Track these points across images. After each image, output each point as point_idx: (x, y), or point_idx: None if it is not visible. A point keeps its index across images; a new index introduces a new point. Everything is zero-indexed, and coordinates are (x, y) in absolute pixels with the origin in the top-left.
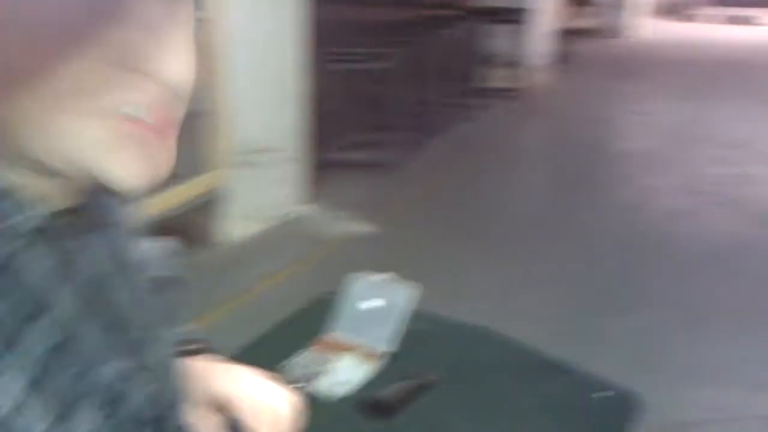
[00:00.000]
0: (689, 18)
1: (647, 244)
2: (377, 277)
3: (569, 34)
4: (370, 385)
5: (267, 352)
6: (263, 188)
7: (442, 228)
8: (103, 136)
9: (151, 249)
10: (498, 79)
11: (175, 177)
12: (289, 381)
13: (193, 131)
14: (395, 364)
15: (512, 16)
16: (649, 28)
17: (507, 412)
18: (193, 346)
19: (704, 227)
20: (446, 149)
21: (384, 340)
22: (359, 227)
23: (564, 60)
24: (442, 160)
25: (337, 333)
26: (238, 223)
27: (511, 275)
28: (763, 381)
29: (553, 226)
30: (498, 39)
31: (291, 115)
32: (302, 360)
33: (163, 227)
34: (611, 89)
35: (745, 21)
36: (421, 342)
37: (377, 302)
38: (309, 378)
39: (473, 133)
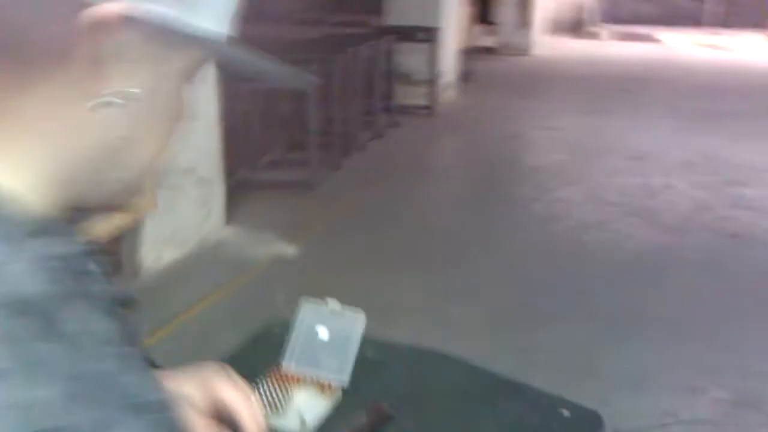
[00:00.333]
0: (587, 35)
1: (567, 254)
2: (327, 305)
3: (475, 52)
4: (329, 421)
5: None
6: (179, 211)
7: (364, 246)
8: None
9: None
10: (410, 96)
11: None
12: None
13: None
14: (351, 396)
15: (422, 35)
16: (550, 46)
17: None
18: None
19: (618, 237)
20: (363, 167)
21: (338, 370)
22: (280, 249)
23: (472, 77)
24: (360, 178)
25: (290, 363)
26: (155, 250)
27: (437, 290)
28: (689, 386)
29: (474, 241)
30: (409, 57)
31: (202, 136)
32: (260, 392)
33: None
34: (518, 105)
35: (642, 38)
36: (375, 370)
37: (328, 331)
38: (268, 412)
39: (388, 149)
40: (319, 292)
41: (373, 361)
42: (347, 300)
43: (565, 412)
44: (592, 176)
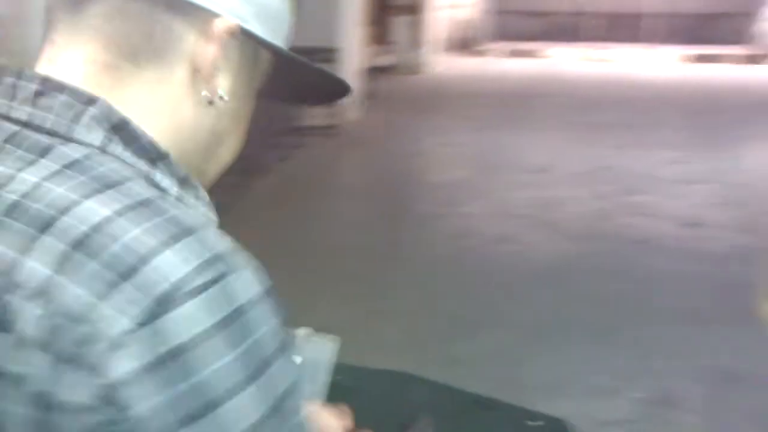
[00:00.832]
0: (478, 53)
1: (477, 268)
2: (297, 332)
3: (373, 71)
4: None
5: None
6: None
7: (277, 269)
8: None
9: None
10: (315, 116)
11: None
12: None
13: None
14: None
15: (322, 55)
16: (444, 64)
17: None
18: None
19: (526, 248)
20: (271, 189)
21: (310, 396)
22: None
23: (372, 97)
24: (267, 200)
25: None
26: None
27: (356, 310)
28: (606, 388)
29: (385, 259)
30: None
31: None
32: None
33: None
34: (419, 123)
35: (529, 54)
36: (348, 395)
37: (300, 358)
38: None
39: (295, 171)
40: None
41: (346, 386)
42: None
43: (535, 423)
44: (495, 191)
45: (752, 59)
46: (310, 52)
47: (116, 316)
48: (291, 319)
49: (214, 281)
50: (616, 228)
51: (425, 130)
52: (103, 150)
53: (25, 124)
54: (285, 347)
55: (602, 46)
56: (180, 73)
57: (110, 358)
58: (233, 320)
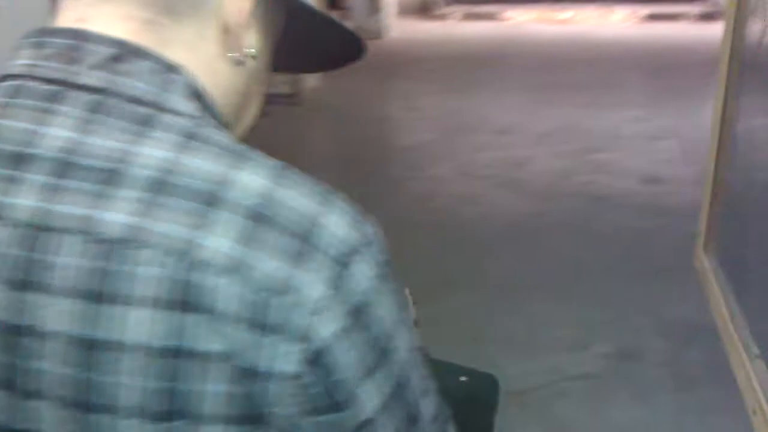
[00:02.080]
0: (437, 17)
1: (445, 229)
2: None
3: None
4: None
5: None
6: None
7: None
8: None
9: None
10: (274, 84)
11: None
12: None
13: None
14: None
15: None
16: (403, 29)
17: None
18: None
19: (491, 208)
20: None
21: None
22: None
23: None
24: None
25: None
26: None
27: None
28: (574, 343)
29: None
30: None
31: None
32: None
33: None
34: (381, 88)
35: (488, 16)
36: None
37: None
38: None
39: (256, 141)
40: None
41: None
42: None
43: (462, 378)
44: (460, 153)
45: (706, 17)
46: None
47: (309, 286)
48: None
49: (368, 240)
50: (578, 186)
51: (388, 95)
52: (201, 119)
53: (103, 91)
54: None
55: (560, 7)
56: (213, 30)
57: (312, 325)
58: (387, 271)
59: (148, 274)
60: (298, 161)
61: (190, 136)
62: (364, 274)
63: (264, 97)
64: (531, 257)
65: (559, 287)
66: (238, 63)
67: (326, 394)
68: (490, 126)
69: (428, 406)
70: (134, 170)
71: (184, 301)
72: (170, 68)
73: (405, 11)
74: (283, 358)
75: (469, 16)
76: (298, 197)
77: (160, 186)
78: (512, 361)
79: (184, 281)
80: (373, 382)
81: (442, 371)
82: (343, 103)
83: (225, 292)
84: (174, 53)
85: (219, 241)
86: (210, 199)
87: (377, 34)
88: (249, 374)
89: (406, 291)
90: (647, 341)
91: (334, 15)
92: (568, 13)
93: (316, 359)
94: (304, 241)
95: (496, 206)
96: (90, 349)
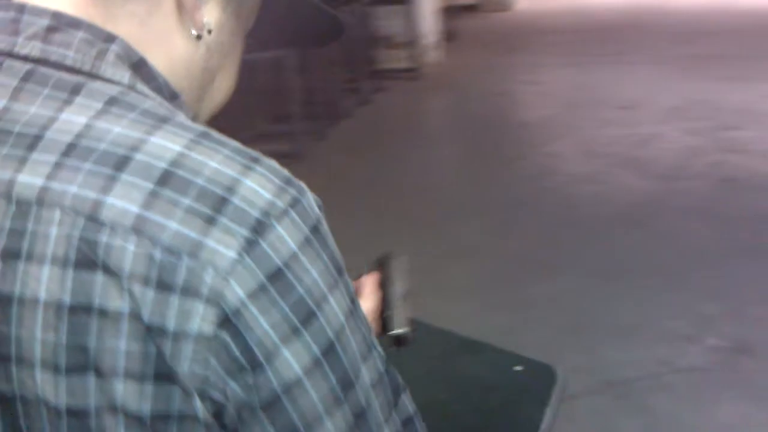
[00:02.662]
0: None
1: (558, 209)
2: None
3: (457, 10)
4: None
5: None
6: None
7: (355, 213)
8: None
9: None
10: (393, 60)
11: None
12: None
13: None
14: None
15: None
16: (533, 0)
17: (426, 395)
18: None
19: (609, 188)
20: (350, 134)
21: None
22: None
23: (453, 37)
24: (347, 145)
25: None
26: None
27: (431, 252)
28: (681, 334)
29: (465, 200)
30: (387, 20)
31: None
32: None
33: None
34: (503, 62)
35: None
36: None
37: None
38: None
39: (375, 115)
40: None
41: None
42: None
43: (519, 368)
44: (580, 129)
45: None
46: None
47: (223, 247)
48: (360, 262)
49: (292, 203)
50: (705, 166)
51: (510, 68)
52: (132, 88)
53: (38, 61)
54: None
55: None
56: (167, 4)
57: (227, 286)
58: (315, 233)
59: (58, 233)
60: (410, 137)
61: (113, 103)
62: (285, 238)
63: (236, 75)
64: (647, 242)
65: (675, 274)
66: (196, 37)
67: (242, 356)
68: (616, 100)
69: (370, 370)
70: (54, 135)
71: (93, 261)
72: (106, 38)
73: None
74: (195, 319)
75: None
76: (215, 165)
77: (74, 150)
78: (613, 350)
79: (92, 242)
80: (296, 345)
81: (497, 359)
82: (463, 78)
83: (132, 253)
84: (121, 27)
85: (123, 204)
86: (120, 163)
87: (505, 6)
88: (159, 333)
89: (403, 260)
90: (765, 336)
91: None
92: None
93: (229, 320)
94: (217, 204)
95: (615, 186)
96: (7, 305)
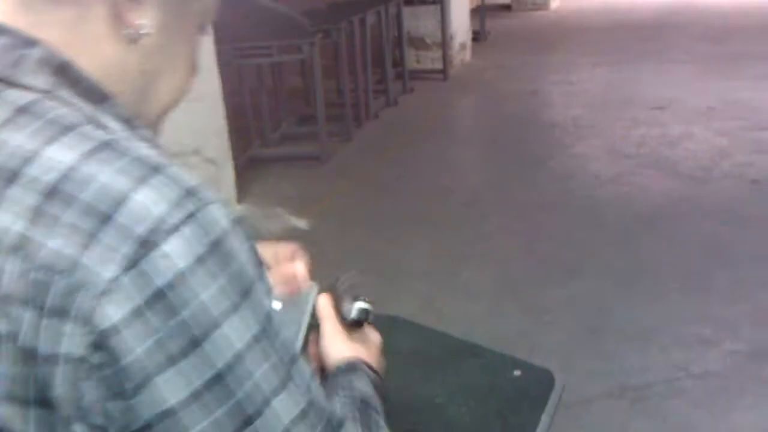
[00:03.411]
0: None
1: (582, 211)
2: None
3: (490, 10)
4: None
5: None
6: None
7: (377, 215)
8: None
9: None
10: (423, 60)
11: None
12: None
13: None
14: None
15: None
16: None
17: (423, 398)
18: None
19: (635, 190)
20: (376, 136)
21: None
22: (293, 223)
23: (486, 36)
24: (373, 147)
25: None
26: None
27: (451, 253)
28: (702, 339)
29: (489, 201)
30: (419, 20)
31: (206, 115)
32: None
33: None
34: (535, 62)
35: None
36: None
37: (281, 302)
38: None
39: (402, 117)
40: (333, 264)
41: None
42: (359, 268)
43: (518, 372)
44: (609, 129)
45: None
46: None
47: (100, 266)
48: (389, 266)
49: (189, 216)
50: (734, 167)
51: (541, 68)
52: (51, 94)
53: None
54: (263, 271)
55: None
56: (98, 9)
57: (99, 307)
58: (213, 251)
59: None
60: (438, 137)
61: (21, 112)
62: (176, 254)
63: (189, 73)
64: (671, 244)
65: (696, 277)
66: (130, 41)
67: (116, 380)
68: (647, 100)
69: (286, 405)
70: None
71: None
72: (27, 43)
73: None
74: (67, 341)
75: None
76: (106, 177)
77: None
78: (630, 355)
79: None
80: (177, 371)
81: (495, 363)
82: (494, 78)
83: (10, 272)
84: (48, 34)
85: (8, 219)
86: (10, 177)
87: (541, 5)
88: (31, 356)
89: (351, 274)
90: None
91: None
92: None
93: (103, 343)
94: (101, 218)
95: (642, 188)
96: None
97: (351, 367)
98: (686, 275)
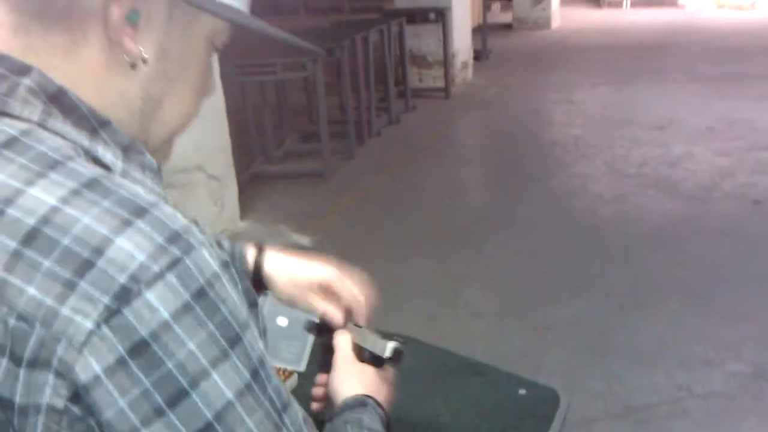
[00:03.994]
0: (609, 4)
1: (583, 230)
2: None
3: (491, 29)
4: None
5: None
6: (191, 209)
7: (380, 232)
8: None
9: None
10: (425, 79)
11: None
12: None
13: None
14: (309, 380)
15: (432, 16)
16: (568, 17)
17: (427, 416)
18: None
19: (636, 209)
20: (378, 154)
21: (295, 357)
22: (296, 239)
23: (487, 55)
24: (374, 165)
25: None
26: None
27: (453, 271)
28: (705, 359)
29: (491, 221)
30: (421, 39)
31: (210, 132)
32: None
33: None
34: (536, 81)
35: (663, 3)
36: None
37: (287, 320)
38: None
39: (404, 135)
40: None
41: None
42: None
43: (522, 391)
44: (610, 149)
45: None
46: (419, 12)
47: (77, 318)
48: (391, 284)
49: (172, 265)
50: (735, 187)
51: (543, 87)
52: (42, 125)
53: None
54: (249, 319)
55: None
56: (94, 35)
57: (80, 359)
58: (198, 301)
59: None
60: (439, 155)
61: (8, 145)
62: (160, 302)
63: (197, 97)
64: (672, 264)
65: (698, 297)
66: (130, 67)
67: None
68: (649, 120)
69: None
70: None
71: None
72: (20, 70)
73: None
74: (45, 392)
75: (641, 3)
76: (87, 222)
77: None
78: (633, 375)
79: None
80: (165, 424)
81: (500, 382)
82: (495, 96)
83: None
84: (42, 59)
85: None
86: None
87: (542, 24)
88: (8, 406)
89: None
90: None
91: (497, 6)
92: None
93: (84, 396)
94: (76, 272)
95: (642, 207)
96: None
97: (361, 403)
98: (688, 295)
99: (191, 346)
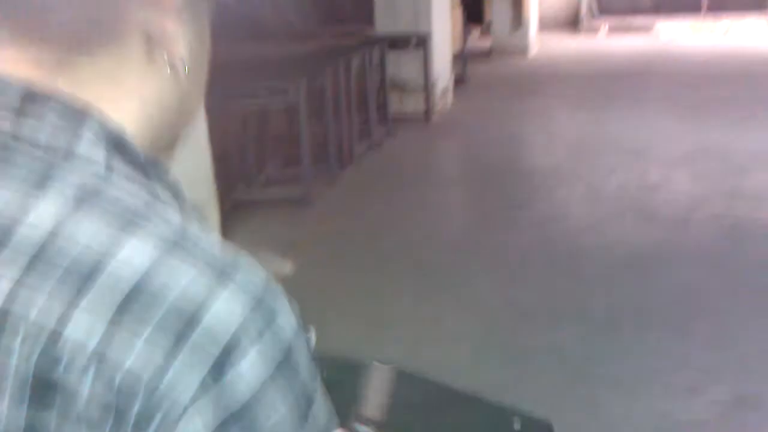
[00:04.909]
0: (586, 31)
1: (563, 257)
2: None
3: (471, 55)
4: None
5: None
6: None
7: (360, 260)
8: None
9: None
10: (406, 104)
11: None
12: None
13: None
14: None
15: (413, 42)
16: (547, 45)
17: None
18: None
19: (615, 236)
20: (359, 179)
21: None
22: (277, 266)
23: (466, 81)
24: (355, 191)
25: None
26: None
27: (433, 301)
28: (687, 386)
29: (470, 248)
30: (402, 65)
31: (191, 159)
32: None
33: None
34: (515, 107)
35: (639, 29)
36: (328, 388)
37: None
38: None
39: (384, 160)
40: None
41: (327, 380)
42: (344, 314)
43: (516, 425)
44: (589, 175)
45: None
46: (399, 38)
47: (184, 378)
48: (370, 312)
49: (267, 323)
50: (713, 213)
51: (522, 113)
52: (108, 167)
53: (7, 136)
54: (318, 375)
55: (714, 18)
56: (136, 46)
57: (180, 423)
58: (285, 364)
59: (9, 362)
60: (419, 181)
61: (84, 190)
62: (252, 370)
63: (200, 99)
64: (650, 290)
65: (679, 324)
66: (169, 75)
67: None
68: (626, 147)
69: None
70: (22, 231)
71: (41, 395)
72: (81, 112)
73: (550, 26)
74: None
75: (619, 29)
76: (189, 278)
77: (43, 251)
78: (615, 403)
79: (43, 376)
80: None
81: (491, 413)
82: (474, 122)
83: (86, 388)
84: (91, 91)
85: (86, 328)
86: (88, 274)
87: (520, 51)
88: None
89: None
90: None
91: (477, 33)
92: (725, 23)
93: None
94: (182, 330)
95: (620, 233)
96: None
97: None
98: (667, 322)
99: (277, 416)
